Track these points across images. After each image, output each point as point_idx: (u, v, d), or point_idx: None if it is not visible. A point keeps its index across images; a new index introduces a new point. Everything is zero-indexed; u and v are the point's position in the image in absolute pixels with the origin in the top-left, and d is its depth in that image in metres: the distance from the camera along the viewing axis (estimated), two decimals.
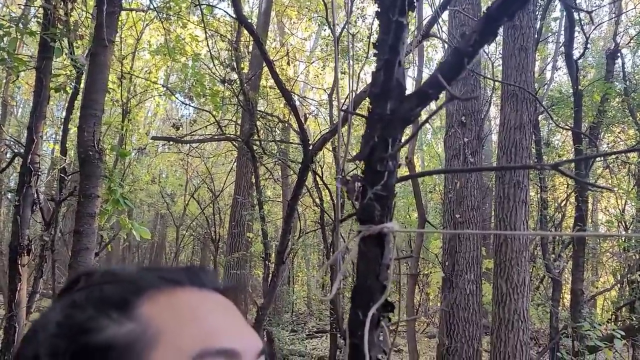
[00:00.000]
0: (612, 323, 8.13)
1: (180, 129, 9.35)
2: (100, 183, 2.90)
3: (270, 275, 5.68)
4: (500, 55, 7.31)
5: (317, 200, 8.69)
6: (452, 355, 7.48)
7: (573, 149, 6.06)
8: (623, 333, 5.56)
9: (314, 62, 10.28)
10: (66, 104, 5.57)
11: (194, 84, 8.78)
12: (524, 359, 5.25)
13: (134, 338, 0.48)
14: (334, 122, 7.03)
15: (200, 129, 9.92)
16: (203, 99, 9.14)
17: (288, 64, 8.94)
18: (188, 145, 11.39)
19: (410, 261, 8.67)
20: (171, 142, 10.42)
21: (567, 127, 4.86)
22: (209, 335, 0.52)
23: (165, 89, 8.98)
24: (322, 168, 8.92)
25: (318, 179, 8.42)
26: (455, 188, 8.11)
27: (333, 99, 7.82)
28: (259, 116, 9.05)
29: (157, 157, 13.55)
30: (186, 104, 8.48)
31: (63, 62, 5.55)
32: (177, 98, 8.99)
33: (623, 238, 11.10)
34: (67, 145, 5.63)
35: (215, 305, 0.56)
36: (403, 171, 13.08)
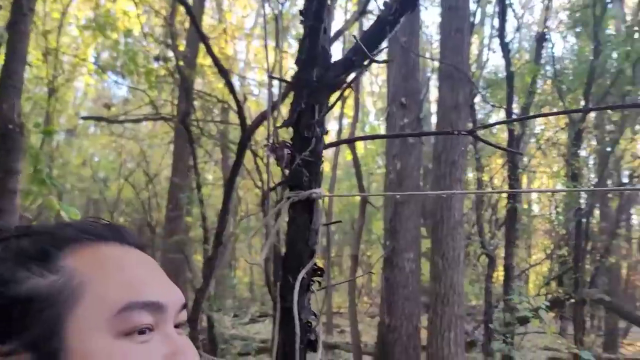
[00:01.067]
0: (542, 296, 8.54)
1: (113, 108, 8.91)
2: (22, 158, 2.70)
3: (209, 257, 5.54)
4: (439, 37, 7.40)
5: (258, 182, 8.56)
6: (393, 332, 7.62)
7: (506, 129, 6.25)
8: (548, 303, 5.82)
9: (253, 40, 10.07)
10: None
11: (126, 61, 8.38)
12: (459, 332, 5.39)
13: (57, 290, 0.48)
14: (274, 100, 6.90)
15: (134, 109, 9.51)
16: (136, 77, 8.76)
17: (226, 41, 8.68)
18: (122, 126, 10.92)
19: (352, 242, 8.75)
20: (103, 123, 9.94)
21: (500, 105, 5.01)
22: (134, 288, 0.51)
23: (95, 66, 8.50)
24: (262, 150, 8.77)
25: (259, 160, 8.30)
26: (396, 169, 8.20)
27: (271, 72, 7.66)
28: (196, 96, 8.77)
29: (88, 139, 12.92)
30: (118, 83, 8.08)
31: None
32: (108, 76, 8.55)
33: (554, 216, 11.69)
34: None
35: (138, 259, 0.56)
36: (346, 153, 13.13)
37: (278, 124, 1.83)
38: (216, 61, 4.09)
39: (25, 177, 3.69)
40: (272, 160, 1.76)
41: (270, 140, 1.76)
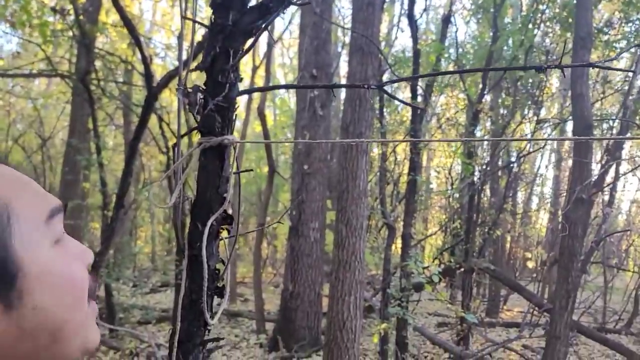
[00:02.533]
0: (435, 266, 9.12)
1: (1, 62, 8.13)
2: None
3: (109, 221, 5.32)
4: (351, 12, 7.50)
5: (164, 148, 8.29)
6: (295, 299, 7.83)
7: (410, 108, 6.54)
8: (440, 269, 6.25)
9: (160, 1, 9.59)
10: None
11: (17, 10, 7.66)
12: (359, 296, 5.64)
13: None
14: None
15: (26, 65, 8.74)
16: (29, 29, 8.04)
17: None
18: (10, 83, 10.01)
19: (257, 212, 8.78)
20: None
21: (404, 78, 5.22)
22: (43, 196, 0.52)
23: None
24: (169, 114, 8.48)
25: (167, 128, 8.01)
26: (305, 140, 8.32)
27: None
28: (98, 54, 8.25)
29: None
30: (8, 34, 7.37)
31: None
32: None
33: (449, 190, 12.45)
34: None
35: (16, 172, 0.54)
36: (255, 124, 13.03)
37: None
38: (122, 13, 3.89)
39: None
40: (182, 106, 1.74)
41: (182, 85, 1.74)
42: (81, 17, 6.96)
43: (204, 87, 1.61)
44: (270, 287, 13.10)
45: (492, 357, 7.55)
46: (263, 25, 1.59)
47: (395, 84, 8.50)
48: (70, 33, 7.66)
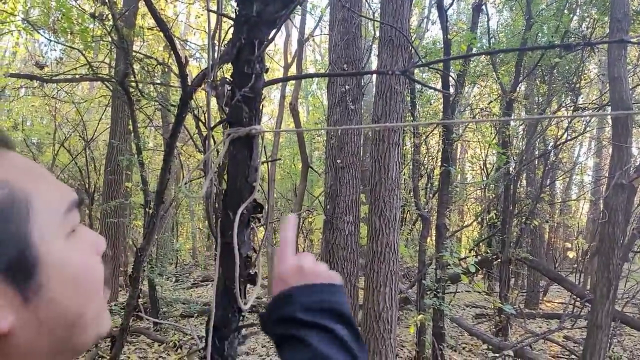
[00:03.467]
0: (472, 257, 9.05)
1: (46, 68, 8.51)
2: None
3: (150, 217, 5.53)
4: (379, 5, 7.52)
5: (201, 147, 8.50)
6: None
7: (442, 97, 6.52)
8: (477, 259, 6.22)
9: (195, 3, 9.83)
10: None
11: (59, 18, 7.99)
12: (394, 287, 5.69)
13: (7, 204, 0.46)
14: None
15: (69, 70, 9.11)
16: (71, 36, 8.38)
17: (166, 1, 8.44)
18: (55, 88, 10.45)
19: (294, 206, 8.90)
20: (35, 84, 9.48)
21: (429, 62, 5.20)
22: (62, 188, 0.52)
23: (23, 22, 8.06)
24: (205, 114, 8.69)
25: (201, 124, 8.22)
26: (337, 134, 8.38)
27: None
28: (135, 58, 8.52)
29: (18, 101, 12.27)
30: (51, 41, 7.72)
31: None
32: (40, 34, 8.12)
33: (484, 181, 12.29)
34: None
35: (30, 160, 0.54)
36: (289, 121, 13.17)
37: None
38: (156, 16, 4.05)
39: None
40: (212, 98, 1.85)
41: (211, 78, 1.84)
42: (119, 22, 7.21)
43: (231, 79, 1.70)
44: None
45: (532, 348, 7.46)
46: (287, 14, 1.68)
47: (427, 77, 8.47)
48: (109, 38, 7.93)
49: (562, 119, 9.42)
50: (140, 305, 7.82)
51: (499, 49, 8.07)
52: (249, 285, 1.85)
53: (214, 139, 1.89)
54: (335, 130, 8.40)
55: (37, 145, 12.62)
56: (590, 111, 9.83)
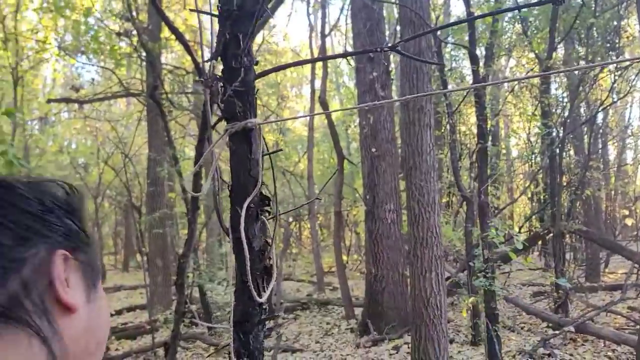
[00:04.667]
0: (518, 234, 8.76)
1: (82, 91, 8.81)
2: None
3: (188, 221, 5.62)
4: None
5: None
6: (380, 282, 7.84)
7: (471, 70, 6.31)
8: (520, 234, 5.98)
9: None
10: None
11: (88, 41, 8.24)
12: (440, 272, 5.56)
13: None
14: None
15: (103, 90, 9.40)
16: (102, 56, 8.63)
17: (184, 8, 8.54)
18: (94, 110, 10.80)
19: (334, 200, 8.87)
20: (75, 107, 9.83)
21: (462, 44, 5.03)
22: None
23: (58, 48, 8.36)
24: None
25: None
26: (369, 123, 8.28)
27: None
28: (165, 70, 8.69)
29: (61, 125, 12.77)
30: (84, 63, 7.97)
31: None
32: (73, 58, 8.42)
33: (532, 157, 11.88)
34: None
35: None
36: (323, 117, 13.11)
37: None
38: (169, 25, 4.09)
39: None
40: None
41: (204, 76, 1.81)
42: (143, 36, 7.36)
43: (222, 75, 1.67)
44: (357, 274, 13.21)
45: (594, 322, 7.14)
46: (263, 4, 1.62)
47: (456, 53, 8.20)
48: (137, 53, 8.10)
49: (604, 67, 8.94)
50: (193, 311, 7.98)
51: (531, 24, 7.71)
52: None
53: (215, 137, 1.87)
54: (367, 120, 8.30)
55: (84, 166, 13.10)
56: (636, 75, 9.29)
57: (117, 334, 8.09)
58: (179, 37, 4.33)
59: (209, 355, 6.62)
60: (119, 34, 7.64)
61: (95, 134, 11.25)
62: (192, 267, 7.60)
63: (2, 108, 5.02)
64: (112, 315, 10.10)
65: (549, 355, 6.22)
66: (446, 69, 7.87)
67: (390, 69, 8.47)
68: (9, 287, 0.45)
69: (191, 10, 1.75)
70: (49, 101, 7.86)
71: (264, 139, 1.90)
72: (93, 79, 8.56)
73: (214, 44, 1.99)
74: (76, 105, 10.32)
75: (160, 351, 7.01)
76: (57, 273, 0.49)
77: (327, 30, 9.83)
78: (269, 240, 1.78)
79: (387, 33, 9.09)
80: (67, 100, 7.90)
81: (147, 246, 9.26)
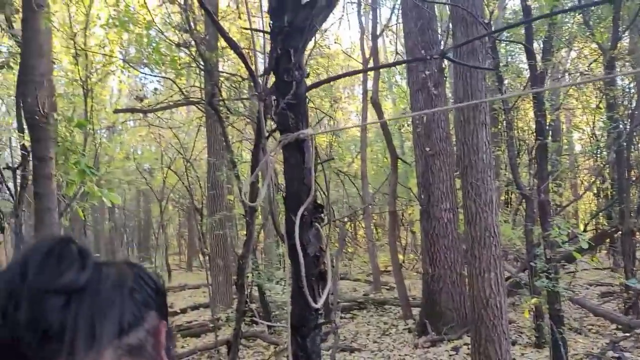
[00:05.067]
0: (590, 232, 8.44)
1: (146, 100, 9.26)
2: (52, 145, 2.95)
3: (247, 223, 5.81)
4: None
5: None
6: (437, 282, 7.78)
7: (527, 66, 6.15)
8: (584, 233, 5.77)
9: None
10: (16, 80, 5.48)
11: (150, 53, 8.63)
12: (499, 272, 5.46)
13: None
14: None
15: (165, 99, 9.83)
16: (163, 67, 9.02)
17: (240, 17, 8.79)
18: (157, 117, 11.31)
19: (388, 199, 8.87)
20: (140, 116, 10.34)
21: (518, 41, 4.90)
22: None
23: (122, 61, 8.83)
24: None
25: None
26: (423, 122, 8.22)
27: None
28: (222, 77, 8.97)
29: (128, 134, 13.43)
30: (146, 75, 8.38)
31: (1, 39, 5.45)
32: (136, 69, 8.86)
33: (597, 152, 11.39)
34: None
35: None
36: (374, 115, 13.11)
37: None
38: (225, 35, 4.26)
39: (66, 168, 4.00)
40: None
41: (258, 90, 1.92)
42: (201, 47, 7.64)
43: (275, 89, 1.77)
44: (413, 273, 13.10)
45: None
46: (313, 19, 1.71)
47: (512, 47, 7.99)
48: (195, 63, 8.41)
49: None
50: (254, 310, 8.21)
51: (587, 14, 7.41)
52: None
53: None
54: (420, 118, 8.25)
55: (149, 171, 13.73)
56: None
57: (182, 332, 8.44)
58: (234, 47, 4.49)
59: (268, 359, 6.81)
60: (178, 45, 7.96)
61: (158, 141, 11.78)
62: (251, 267, 7.82)
63: (74, 119, 5.39)
64: (177, 313, 10.56)
65: (619, 358, 5.97)
66: (501, 64, 7.68)
67: (443, 66, 8.37)
68: (139, 332, 0.60)
69: (244, 28, 1.87)
70: (115, 111, 8.34)
71: (316, 148, 1.99)
72: (156, 89, 8.98)
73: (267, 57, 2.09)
74: (141, 114, 10.83)
75: (223, 349, 7.26)
76: (162, 339, 0.63)
77: (378, 31, 9.82)
78: (324, 247, 1.87)
79: (439, 31, 8.97)
80: (132, 110, 8.34)
81: (208, 247, 9.60)
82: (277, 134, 2.06)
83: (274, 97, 1.78)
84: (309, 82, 1.86)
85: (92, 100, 9.84)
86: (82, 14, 10.10)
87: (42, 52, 3.09)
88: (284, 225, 1.94)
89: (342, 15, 22.54)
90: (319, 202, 1.86)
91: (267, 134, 1.95)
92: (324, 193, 8.40)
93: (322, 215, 1.85)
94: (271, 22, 1.71)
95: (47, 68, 3.01)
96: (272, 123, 1.98)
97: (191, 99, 7.89)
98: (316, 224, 1.84)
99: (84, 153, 4.94)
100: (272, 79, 1.91)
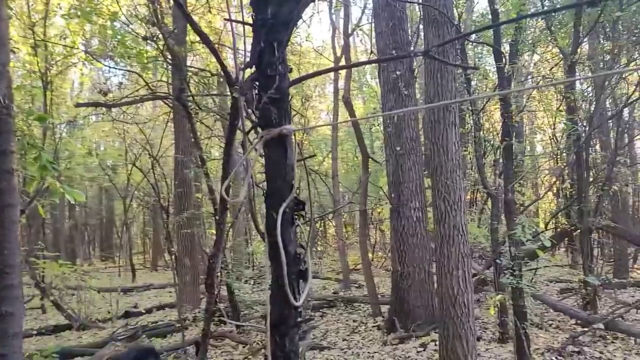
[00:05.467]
0: (550, 231, 8.68)
1: (110, 94, 9.02)
2: (13, 138, 2.82)
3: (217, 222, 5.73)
4: None
5: None
6: (406, 279, 7.86)
7: (495, 67, 6.27)
8: (545, 231, 5.93)
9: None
10: None
11: (115, 45, 8.43)
12: (467, 269, 5.55)
13: None
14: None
15: (131, 93, 9.60)
16: (129, 60, 8.81)
17: (209, 12, 8.66)
18: (122, 112, 11.05)
19: (359, 198, 8.91)
20: (103, 110, 10.07)
21: (488, 43, 5.00)
22: None
23: (85, 53, 8.57)
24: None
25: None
26: (393, 122, 8.29)
27: None
28: (190, 72, 8.82)
29: (90, 129, 13.07)
30: (110, 68, 8.16)
31: None
32: (100, 62, 8.62)
33: (557, 153, 11.73)
34: None
35: None
36: (345, 114, 13.15)
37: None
38: (197, 29, 4.18)
39: (24, 163, 3.86)
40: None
41: (238, 84, 1.88)
42: (169, 40, 7.49)
43: (257, 83, 1.74)
44: (382, 271, 13.22)
45: (624, 319, 7.04)
46: (299, 12, 1.68)
47: (479, 50, 8.16)
48: (163, 57, 8.25)
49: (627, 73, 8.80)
50: (222, 309, 8.12)
51: (554, 21, 7.62)
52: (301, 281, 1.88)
53: (250, 143, 1.93)
54: (391, 118, 8.31)
55: (112, 168, 13.39)
56: None
57: (148, 332, 8.27)
58: (206, 41, 4.42)
59: (245, 358, 6.74)
60: (145, 38, 7.79)
61: (123, 137, 11.50)
62: (220, 267, 7.73)
63: (33, 113, 5.20)
64: (142, 313, 10.34)
65: (579, 352, 6.17)
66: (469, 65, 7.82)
67: (413, 67, 8.46)
68: None
69: (225, 19, 1.83)
70: (77, 105, 8.09)
71: (298, 145, 1.97)
72: (121, 83, 8.76)
73: (246, 52, 2.06)
74: (104, 109, 10.55)
75: (191, 349, 7.16)
76: None
77: (349, 30, 9.84)
78: (304, 244, 1.85)
79: (409, 32, 9.06)
80: (95, 105, 8.11)
81: (175, 246, 9.44)
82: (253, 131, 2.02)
83: (255, 92, 1.74)
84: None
85: (52, 93, 9.53)
86: (41, 3, 9.78)
87: (5, 41, 2.96)
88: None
89: (313, 13, 22.53)
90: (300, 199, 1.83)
91: (247, 129, 1.90)
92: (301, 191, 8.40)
93: (304, 212, 1.83)
94: (254, 14, 1.68)
95: (6, 58, 2.88)
96: (247, 119, 1.94)
97: (158, 94, 7.73)
98: (297, 221, 1.82)
99: (44, 148, 4.77)
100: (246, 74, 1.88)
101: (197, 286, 9.66)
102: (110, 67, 8.13)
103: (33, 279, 9.35)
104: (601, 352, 6.15)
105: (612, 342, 6.50)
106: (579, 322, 7.30)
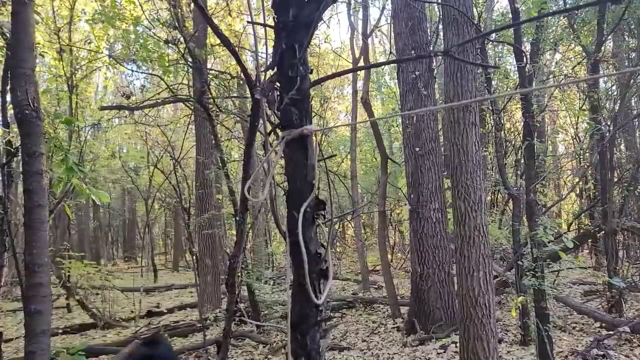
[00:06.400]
0: (573, 232, 8.55)
1: (132, 97, 9.17)
2: (42, 141, 2.89)
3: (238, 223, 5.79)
4: None
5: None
6: (426, 281, 7.82)
7: (516, 67, 6.22)
8: (568, 232, 5.85)
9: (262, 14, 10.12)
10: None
11: (137, 49, 8.56)
12: (488, 271, 5.51)
13: None
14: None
15: (153, 96, 9.74)
16: (151, 64, 8.94)
17: (230, 15, 8.75)
18: (144, 115, 11.21)
19: (378, 199, 8.91)
20: (126, 114, 10.24)
21: (508, 42, 4.97)
22: None
23: (109, 58, 8.73)
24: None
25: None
26: (413, 122, 8.27)
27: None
28: (211, 75, 8.92)
29: (113, 131, 13.30)
30: (133, 71, 8.30)
31: None
32: (123, 66, 8.78)
33: (580, 153, 11.55)
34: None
35: None
36: (364, 115, 13.15)
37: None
38: (218, 33, 4.24)
39: (54, 165, 3.95)
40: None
41: (260, 85, 1.91)
42: (190, 44, 7.58)
43: (278, 85, 1.77)
44: (402, 273, 13.17)
45: None
46: (320, 14, 1.70)
47: (499, 49, 8.09)
48: (184, 60, 8.35)
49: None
50: (242, 310, 8.18)
51: (578, 17, 7.53)
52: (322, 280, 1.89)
53: (271, 144, 1.95)
54: (410, 118, 8.29)
55: (135, 170, 13.60)
56: None
57: (169, 332, 8.38)
58: (227, 44, 4.48)
59: (265, 357, 6.78)
60: (166, 42, 7.89)
61: (145, 139, 11.68)
62: (241, 267, 7.80)
63: (60, 116, 5.32)
64: (164, 313, 10.48)
65: (604, 356, 6.06)
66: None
67: (432, 67, 8.43)
68: None
69: (248, 22, 1.86)
70: (101, 108, 8.25)
71: (319, 145, 1.99)
72: (143, 86, 8.90)
73: (267, 54, 2.08)
74: (126, 112, 10.73)
75: (212, 348, 7.23)
76: None
77: (368, 31, 9.84)
78: (324, 244, 1.87)
79: (428, 32, 9.02)
80: (119, 108, 8.25)
81: (196, 246, 9.55)
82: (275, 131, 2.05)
83: (277, 93, 1.77)
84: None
85: (77, 96, 9.73)
86: (66, 9, 9.99)
87: (33, 46, 3.04)
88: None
89: (332, 15, 22.60)
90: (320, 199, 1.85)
91: (269, 130, 1.93)
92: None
93: (324, 212, 1.85)
94: (276, 16, 1.70)
95: (33, 63, 2.96)
96: (267, 121, 1.96)
97: (179, 97, 7.84)
98: (318, 221, 1.84)
99: (70, 150, 4.89)
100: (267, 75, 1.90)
101: (217, 286, 9.75)
102: (133, 70, 8.27)
103: (59, 278, 9.56)
104: (627, 356, 6.04)
105: (639, 346, 6.38)
106: (603, 325, 7.18)
